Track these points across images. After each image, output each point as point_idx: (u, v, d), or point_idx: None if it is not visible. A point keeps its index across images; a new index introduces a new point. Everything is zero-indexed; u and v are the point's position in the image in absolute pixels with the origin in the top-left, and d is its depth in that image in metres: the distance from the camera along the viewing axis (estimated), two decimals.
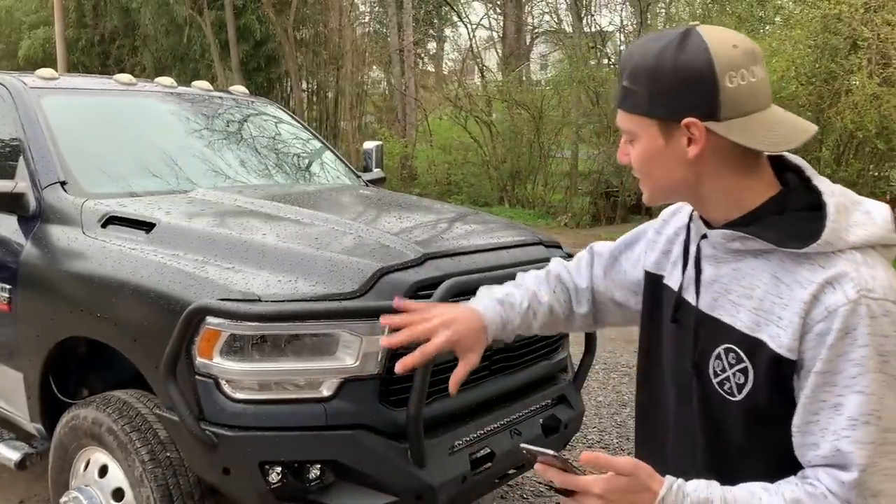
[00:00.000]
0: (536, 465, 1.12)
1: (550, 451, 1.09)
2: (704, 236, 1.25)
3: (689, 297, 1.28)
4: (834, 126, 9.62)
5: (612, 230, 13.21)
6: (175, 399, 2.26)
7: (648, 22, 17.00)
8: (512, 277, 2.64)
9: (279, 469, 2.25)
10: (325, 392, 2.27)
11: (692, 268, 1.28)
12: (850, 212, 1.16)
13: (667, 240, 1.40)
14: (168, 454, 2.41)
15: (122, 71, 3.44)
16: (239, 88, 4.52)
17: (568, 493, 1.09)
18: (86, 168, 3.14)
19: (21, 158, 3.13)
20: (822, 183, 1.20)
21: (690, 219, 1.32)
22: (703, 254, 1.26)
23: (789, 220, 1.16)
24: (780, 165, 1.24)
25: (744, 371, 1.17)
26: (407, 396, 2.31)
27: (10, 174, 3.15)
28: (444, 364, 2.44)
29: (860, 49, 9.45)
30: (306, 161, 4.25)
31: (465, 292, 2.46)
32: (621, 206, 14.04)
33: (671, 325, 1.32)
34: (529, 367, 2.89)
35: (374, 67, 23.12)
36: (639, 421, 1.47)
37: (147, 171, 3.38)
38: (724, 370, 1.20)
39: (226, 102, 4.21)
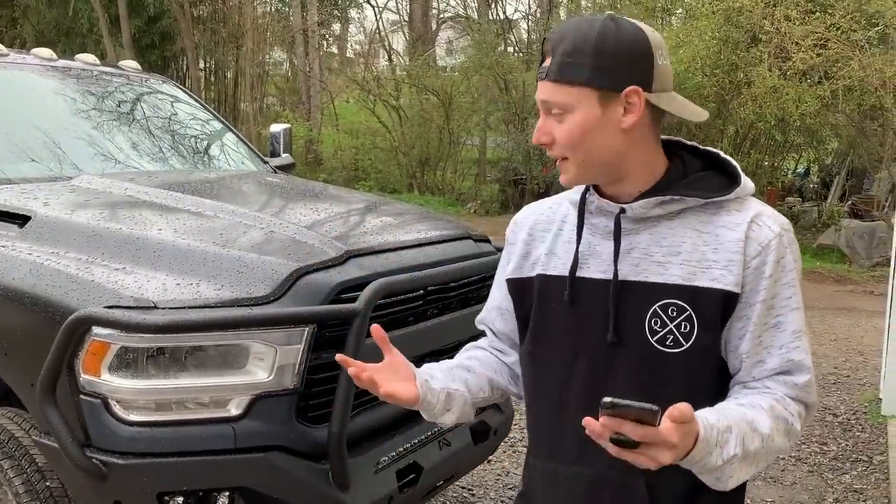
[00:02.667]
0: (600, 424, 1.05)
1: (645, 404, 1.04)
2: (622, 211, 1.30)
3: (593, 273, 1.32)
4: (735, 117, 9.90)
5: None
6: (54, 422, 1.93)
7: (555, 9, 17.11)
8: (443, 275, 2.44)
9: (180, 500, 1.98)
10: (234, 411, 2.00)
11: (598, 245, 1.33)
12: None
13: (523, 244, 1.45)
14: (48, 484, 2.09)
15: None
16: (130, 63, 4.09)
17: (632, 444, 1.06)
18: None
19: None
20: (707, 147, 1.37)
21: (582, 203, 1.35)
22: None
23: (698, 178, 1.31)
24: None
25: (688, 319, 1.25)
26: (328, 412, 2.07)
27: None
28: None
29: (761, 42, 9.75)
30: (206, 144, 3.89)
31: (393, 294, 2.24)
32: (529, 194, 14.10)
33: (564, 305, 1.34)
34: None
35: (277, 47, 22.35)
36: (537, 404, 1.43)
37: (22, 154, 2.96)
38: (663, 325, 1.26)
39: (115, 79, 3.78)
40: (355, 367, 1.34)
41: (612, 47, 1.23)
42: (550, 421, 1.39)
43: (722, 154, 1.36)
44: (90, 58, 3.80)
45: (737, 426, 1.19)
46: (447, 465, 2.54)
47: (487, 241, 2.92)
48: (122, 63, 4.06)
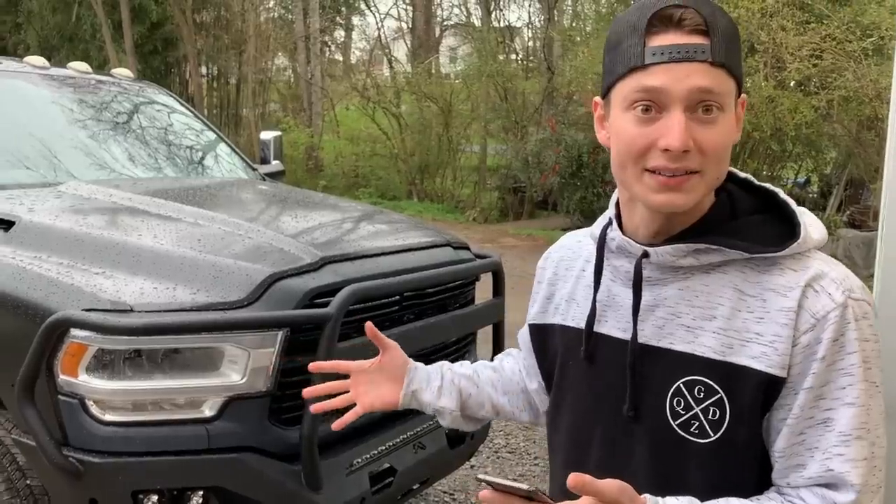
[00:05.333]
0: (486, 497, 0.95)
1: (515, 483, 0.93)
2: (645, 255, 1.05)
3: (610, 330, 1.10)
4: None
5: (519, 225, 13.29)
6: (32, 422, 1.98)
7: (556, 19, 17.18)
8: (418, 281, 2.45)
9: (155, 498, 2.02)
10: (208, 412, 2.05)
11: (617, 295, 1.10)
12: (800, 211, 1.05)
13: (548, 284, 1.25)
14: (28, 482, 2.14)
15: (3, 51, 3.09)
16: (122, 71, 4.16)
17: None
18: None
19: None
20: (765, 184, 1.09)
21: (603, 240, 1.12)
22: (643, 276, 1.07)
23: (747, 224, 1.03)
24: None
25: (718, 404, 1.00)
26: (300, 414, 2.11)
27: None
28: (343, 377, 2.26)
29: (757, 52, 9.79)
30: (196, 152, 3.95)
31: (366, 299, 2.29)
32: (528, 202, 14.14)
33: (581, 363, 1.13)
34: None
35: (279, 54, 22.45)
36: (558, 469, 1.23)
37: (11, 161, 3.02)
38: (687, 408, 1.01)
39: (108, 86, 3.85)
40: (328, 387, 1.28)
41: (739, 39, 0.98)
42: (566, 496, 1.27)
43: (781, 194, 1.06)
44: (82, 66, 3.86)
45: None
46: (422, 468, 2.58)
47: (466, 248, 2.96)
48: (114, 71, 4.12)
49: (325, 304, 2.15)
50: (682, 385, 1.02)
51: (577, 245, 1.23)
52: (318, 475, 2.12)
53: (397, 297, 2.47)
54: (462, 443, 2.75)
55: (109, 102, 3.73)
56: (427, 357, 2.65)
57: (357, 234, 2.85)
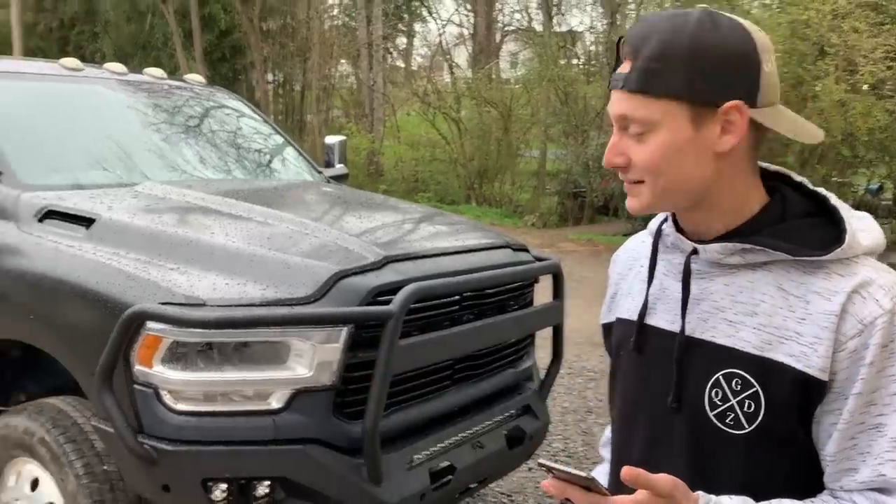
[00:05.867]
0: (549, 484, 1.00)
1: (575, 471, 0.97)
2: (694, 251, 1.10)
3: (660, 322, 1.14)
4: None
5: (579, 230, 13.19)
6: (111, 410, 2.09)
7: (618, 23, 17.02)
8: (477, 281, 2.47)
9: (224, 486, 2.10)
10: (275, 404, 2.12)
11: (668, 288, 1.14)
12: (853, 217, 1.07)
13: (614, 284, 1.30)
14: (105, 468, 2.24)
15: (81, 58, 3.27)
16: (195, 77, 4.31)
17: None
18: (25, 158, 2.93)
19: None
20: (818, 188, 1.12)
21: (658, 236, 1.17)
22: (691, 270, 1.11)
23: (795, 227, 1.06)
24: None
25: (753, 397, 1.03)
26: (364, 409, 2.16)
27: None
28: (403, 374, 2.31)
29: (827, 55, 9.52)
30: (265, 155, 4.07)
31: (427, 298, 2.33)
32: (588, 207, 14.03)
33: (632, 354, 1.17)
34: (494, 376, 2.76)
35: (342, 61, 22.84)
36: (612, 458, 1.30)
37: (92, 162, 3.18)
38: (724, 399, 1.05)
39: (181, 91, 4.00)
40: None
41: (710, 51, 0.99)
42: (613, 474, 1.26)
43: (832, 199, 1.08)
44: (158, 72, 4.03)
45: None
46: (481, 467, 2.61)
47: (526, 250, 2.98)
48: (187, 76, 4.28)
49: (388, 302, 2.19)
50: (721, 377, 1.05)
51: (640, 245, 1.26)
52: (380, 469, 2.17)
53: (457, 297, 2.50)
54: (521, 444, 2.77)
55: (182, 107, 3.88)
56: (484, 358, 2.69)
57: (418, 235, 2.90)
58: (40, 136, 3.15)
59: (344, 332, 2.13)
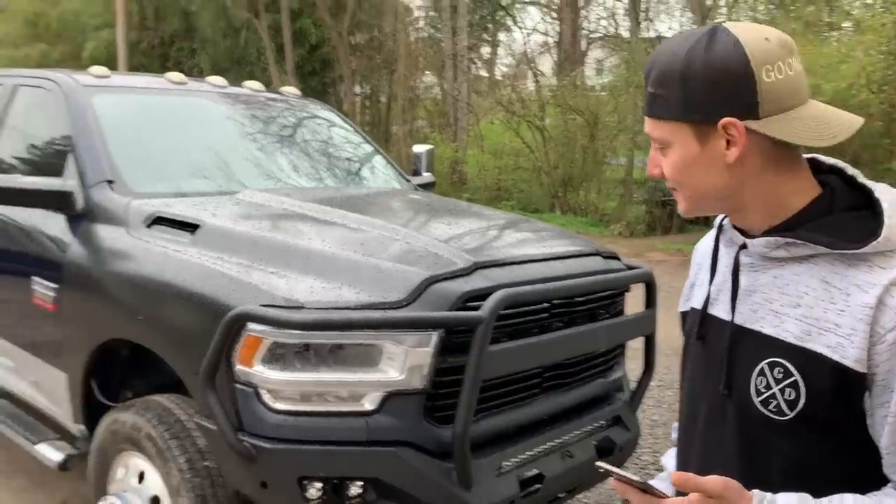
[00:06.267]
0: (613, 483, 1.09)
1: (631, 475, 1.04)
2: (744, 246, 1.16)
3: (720, 312, 1.20)
4: None
5: (667, 240, 12.88)
6: (213, 407, 2.18)
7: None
8: (567, 289, 2.46)
9: (319, 485, 2.16)
10: (368, 406, 2.17)
11: (728, 280, 1.19)
12: None
13: (693, 274, 1.36)
14: (206, 464, 2.33)
15: (180, 73, 3.45)
16: (290, 89, 4.46)
17: None
18: (134, 167, 3.10)
19: (70, 156, 3.11)
20: (868, 181, 1.14)
21: (719, 230, 1.24)
22: (741, 263, 1.18)
23: (838, 220, 1.10)
24: (815, 168, 1.17)
25: (794, 386, 1.07)
26: (453, 413, 2.19)
27: (61, 172, 3.14)
28: (493, 380, 2.32)
29: None
30: (356, 164, 4.17)
31: (517, 304, 2.34)
32: (677, 216, 13.68)
33: (697, 343, 1.25)
34: (584, 386, 2.74)
35: (427, 72, 23.12)
36: (679, 444, 1.36)
37: (195, 171, 3.33)
38: (768, 387, 1.10)
39: (277, 103, 4.15)
40: None
41: (699, 72, 1.06)
42: (681, 460, 1.32)
43: (877, 192, 1.11)
44: (256, 84, 4.19)
45: None
46: (570, 476, 2.58)
47: (616, 258, 2.94)
48: (283, 89, 4.43)
49: (477, 308, 2.21)
50: (765, 365, 1.10)
51: (709, 241, 1.33)
52: (470, 474, 2.19)
53: (546, 305, 2.49)
54: (610, 454, 2.73)
55: (278, 117, 4.03)
56: (574, 367, 2.67)
57: (506, 241, 2.90)
58: (148, 147, 3.33)
59: (434, 337, 2.16)
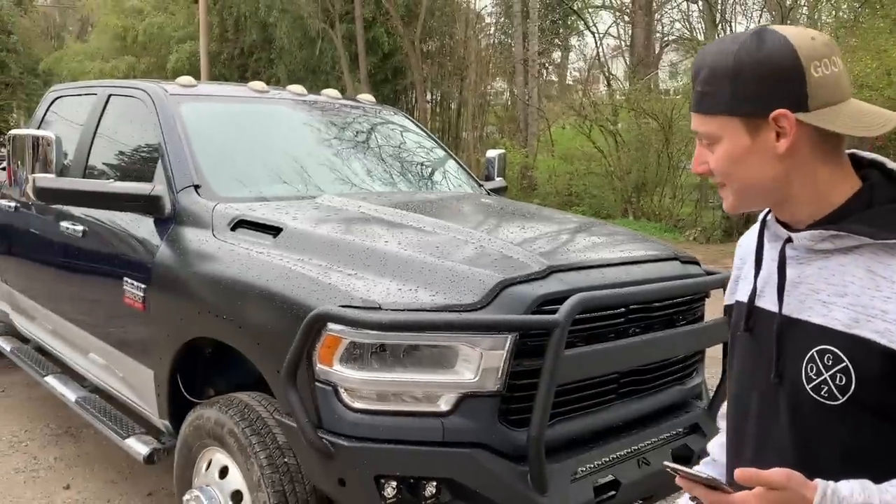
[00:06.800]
0: (680, 481, 1.12)
1: (698, 473, 1.08)
2: (789, 240, 1.21)
3: (767, 304, 1.25)
4: None
5: None
6: (294, 405, 2.23)
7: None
8: (645, 293, 2.44)
9: (395, 484, 2.19)
10: (444, 406, 2.18)
11: (773, 273, 1.23)
12: None
13: (736, 269, 1.40)
14: (286, 460, 2.39)
15: (261, 82, 3.58)
16: (366, 97, 4.55)
17: None
18: (219, 172, 3.22)
19: (160, 162, 3.25)
20: None
21: (763, 225, 1.29)
22: (787, 256, 1.23)
23: (881, 212, 1.16)
24: (855, 164, 1.23)
25: (844, 371, 1.12)
26: (528, 416, 2.18)
27: (150, 178, 3.28)
28: (568, 384, 2.31)
29: None
30: (429, 169, 4.21)
31: (593, 308, 2.32)
32: (753, 220, 13.27)
33: (744, 335, 1.29)
34: (661, 392, 2.69)
35: (498, 78, 23.13)
36: (728, 435, 1.41)
37: (276, 176, 3.43)
38: (819, 374, 1.15)
39: (353, 110, 4.24)
40: None
41: (750, 68, 1.13)
42: (733, 452, 1.35)
43: None
44: (333, 92, 4.29)
45: None
46: (645, 484, 2.54)
47: (696, 263, 2.89)
48: (359, 96, 4.52)
49: (552, 312, 2.20)
50: (815, 353, 1.15)
51: (751, 238, 1.38)
52: (545, 478, 2.18)
53: (623, 310, 2.46)
54: (689, 462, 2.67)
55: (353, 124, 4.11)
56: (650, 374, 2.62)
57: (580, 245, 2.88)
58: (231, 153, 3.45)
59: (509, 340, 2.17)
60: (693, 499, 1.11)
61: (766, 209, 1.28)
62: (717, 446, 1.54)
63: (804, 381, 1.16)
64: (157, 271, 2.96)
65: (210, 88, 3.98)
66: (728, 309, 1.41)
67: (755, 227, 1.36)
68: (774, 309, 1.23)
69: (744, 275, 1.35)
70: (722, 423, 1.53)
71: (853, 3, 14.55)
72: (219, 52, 22.00)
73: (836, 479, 1.07)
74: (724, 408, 1.50)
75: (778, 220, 1.25)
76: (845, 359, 1.12)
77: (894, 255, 1.12)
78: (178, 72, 20.52)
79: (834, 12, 15.14)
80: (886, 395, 1.10)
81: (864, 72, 9.18)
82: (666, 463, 1.09)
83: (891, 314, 1.09)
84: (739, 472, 1.03)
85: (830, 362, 1.13)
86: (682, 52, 22.63)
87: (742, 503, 1.03)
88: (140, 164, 3.53)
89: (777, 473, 1.02)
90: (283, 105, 3.90)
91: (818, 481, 1.05)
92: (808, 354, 1.16)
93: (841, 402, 1.12)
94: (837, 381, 1.12)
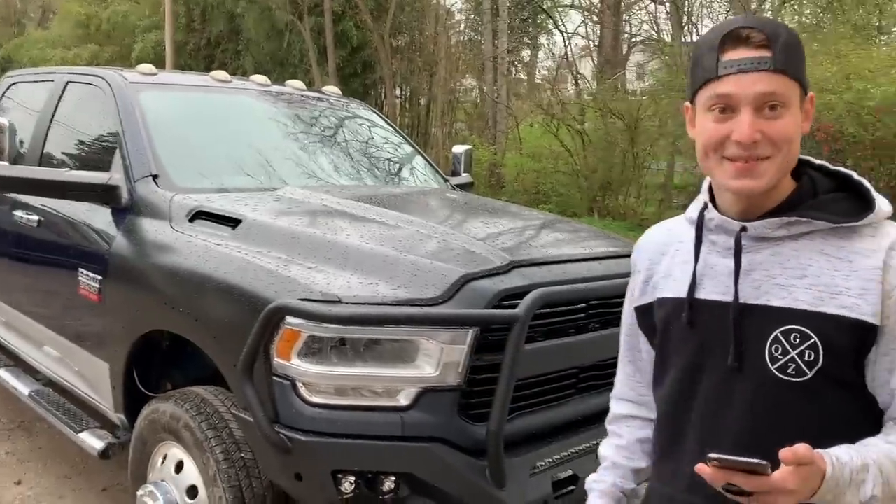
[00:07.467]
0: (710, 472, 1.07)
1: (737, 457, 1.06)
2: (744, 229, 1.25)
3: (711, 295, 1.28)
4: None
5: None
6: (250, 399, 2.20)
7: None
8: (605, 289, 2.46)
9: (352, 478, 2.17)
10: (403, 401, 2.17)
11: (714, 265, 1.28)
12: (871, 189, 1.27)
13: (645, 270, 1.42)
14: (242, 455, 2.36)
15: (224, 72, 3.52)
16: (332, 89, 4.51)
17: (747, 493, 1.07)
18: (178, 162, 3.16)
19: (117, 151, 3.18)
20: (841, 168, 1.31)
21: (700, 221, 1.31)
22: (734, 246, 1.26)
23: (826, 201, 1.24)
24: None
25: (812, 347, 1.18)
26: (488, 411, 2.18)
27: (108, 167, 3.21)
28: (528, 379, 2.31)
29: None
30: (395, 163, 4.19)
31: (553, 303, 2.32)
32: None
33: (683, 329, 1.31)
34: None
35: (467, 75, 23.13)
36: (660, 431, 1.42)
37: (237, 167, 3.38)
38: (784, 353, 1.20)
39: (318, 102, 4.20)
40: None
41: (801, 47, 1.21)
42: (669, 446, 1.37)
43: (856, 176, 1.28)
44: (298, 84, 4.24)
45: (877, 465, 1.13)
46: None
47: None
48: (324, 88, 4.48)
49: (513, 307, 2.20)
50: (779, 334, 1.20)
51: (666, 233, 1.43)
52: (503, 472, 2.18)
53: (583, 305, 2.48)
54: None
55: (319, 116, 4.07)
56: (610, 369, 2.63)
57: (543, 241, 2.89)
58: (192, 143, 3.39)
59: (470, 334, 2.16)
60: (728, 489, 1.07)
61: (701, 207, 1.33)
62: (612, 449, 1.54)
63: (768, 361, 1.21)
64: (114, 262, 2.90)
65: (171, 77, 3.91)
66: (643, 309, 1.42)
67: (659, 232, 1.44)
68: (722, 298, 1.26)
69: (661, 273, 1.38)
70: (612, 427, 1.57)
71: (815, 9, 14.84)
72: (185, 43, 21.65)
73: None
74: (616, 409, 1.57)
75: (720, 213, 1.29)
76: (813, 335, 1.18)
77: (844, 239, 1.21)
78: (142, 61, 20.02)
79: (797, 17, 15.41)
80: (847, 367, 1.19)
81: (825, 76, 9.35)
82: (710, 455, 1.05)
83: (854, 290, 1.17)
84: (788, 453, 1.04)
85: (798, 340, 1.19)
86: (650, 53, 22.85)
87: (783, 481, 1.05)
88: (98, 152, 3.46)
89: (805, 449, 1.05)
90: (246, 95, 3.85)
91: (822, 452, 1.09)
92: (772, 336, 1.20)
93: (809, 377, 1.18)
94: (806, 358, 1.18)
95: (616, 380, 1.59)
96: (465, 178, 4.48)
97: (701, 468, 1.08)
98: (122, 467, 3.55)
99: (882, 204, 1.24)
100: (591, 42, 24.45)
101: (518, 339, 2.15)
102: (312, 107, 4.11)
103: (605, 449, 1.56)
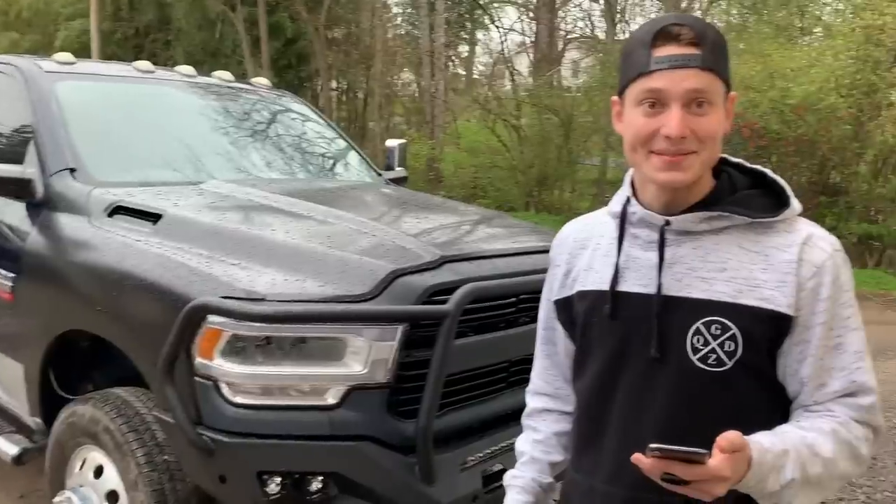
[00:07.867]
0: (648, 462, 1.08)
1: (676, 447, 1.06)
2: (667, 223, 1.27)
3: (633, 287, 1.30)
4: (874, 140, 9.33)
5: None
6: (172, 400, 2.13)
7: None
8: (534, 283, 2.48)
9: (278, 479, 2.12)
10: (331, 400, 2.13)
11: (637, 258, 1.30)
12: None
13: (565, 263, 1.44)
14: (165, 458, 2.29)
15: (154, 64, 3.37)
16: (261, 80, 4.41)
17: (682, 482, 1.08)
18: (97, 155, 3.04)
19: (31, 143, 3.03)
20: (756, 166, 1.35)
21: (623, 217, 1.33)
22: (656, 240, 1.29)
23: (745, 197, 1.28)
24: None
25: (732, 338, 1.22)
26: (417, 407, 2.16)
27: (20, 160, 3.06)
28: (457, 374, 2.30)
29: None
30: (327, 157, 4.12)
31: (483, 298, 2.32)
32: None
33: (604, 321, 1.32)
34: None
35: (405, 69, 23.05)
36: (579, 424, 1.44)
37: (160, 160, 3.27)
38: (705, 343, 1.23)
39: (247, 94, 4.09)
40: None
41: (726, 48, 1.23)
42: (589, 437, 1.38)
43: (770, 173, 1.33)
44: (226, 75, 4.13)
45: (795, 450, 1.17)
46: None
47: None
48: (253, 80, 4.38)
49: (444, 302, 2.18)
50: (700, 325, 1.23)
51: (585, 227, 1.45)
52: (433, 469, 2.16)
53: (514, 299, 2.48)
54: None
55: (248, 109, 3.97)
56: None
57: (475, 236, 2.88)
58: (112, 135, 3.26)
59: (399, 331, 2.14)
60: (665, 479, 1.07)
61: (623, 201, 1.35)
62: (530, 443, 1.54)
63: (690, 352, 1.24)
64: (28, 260, 2.77)
65: (91, 66, 3.76)
66: (562, 302, 1.43)
67: (577, 226, 1.47)
68: (644, 291, 1.29)
69: (581, 267, 1.39)
70: (529, 422, 1.56)
71: (742, 9, 15.29)
72: (112, 32, 20.91)
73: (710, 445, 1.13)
74: (533, 404, 1.55)
75: (642, 207, 1.31)
76: (733, 326, 1.21)
77: (760, 234, 1.25)
78: (66, 50, 19.34)
79: (724, 16, 15.85)
80: (763, 356, 1.23)
81: (750, 74, 9.65)
82: (652, 445, 1.06)
83: (771, 282, 1.22)
84: (724, 440, 1.07)
85: (718, 331, 1.22)
86: (584, 49, 23.19)
87: (719, 469, 1.06)
88: (14, 145, 3.29)
89: (738, 435, 1.08)
90: (171, 86, 3.73)
91: (747, 438, 1.11)
92: (694, 327, 1.23)
93: (728, 366, 1.22)
94: (726, 348, 1.22)
95: (532, 374, 1.58)
96: (399, 172, 4.44)
97: (638, 458, 1.09)
98: (40, 473, 3.40)
99: (794, 202, 1.29)
100: (526, 38, 24.67)
101: (448, 335, 2.13)
102: (241, 99, 4.00)
103: (522, 444, 1.56)
